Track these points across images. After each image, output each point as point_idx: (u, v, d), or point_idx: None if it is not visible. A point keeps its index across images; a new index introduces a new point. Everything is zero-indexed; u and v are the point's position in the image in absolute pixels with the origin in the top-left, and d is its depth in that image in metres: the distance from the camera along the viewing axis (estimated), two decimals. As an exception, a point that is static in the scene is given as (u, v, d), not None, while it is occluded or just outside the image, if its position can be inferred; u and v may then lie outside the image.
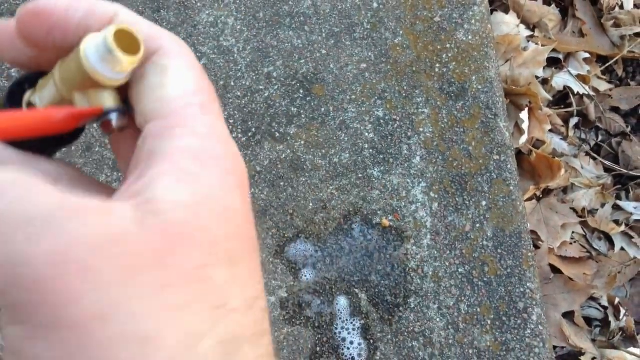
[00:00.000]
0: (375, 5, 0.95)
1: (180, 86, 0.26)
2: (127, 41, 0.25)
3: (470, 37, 0.95)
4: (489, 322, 0.82)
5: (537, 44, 1.17)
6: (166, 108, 0.25)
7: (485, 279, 0.84)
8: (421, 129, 0.89)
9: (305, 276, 0.82)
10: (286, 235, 0.84)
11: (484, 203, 0.87)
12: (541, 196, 1.13)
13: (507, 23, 1.16)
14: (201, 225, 0.23)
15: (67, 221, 0.21)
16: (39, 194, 0.22)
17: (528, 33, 1.19)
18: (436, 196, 0.86)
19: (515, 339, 0.81)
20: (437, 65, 0.93)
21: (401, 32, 0.94)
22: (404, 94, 0.91)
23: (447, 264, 0.84)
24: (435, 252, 0.84)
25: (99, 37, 0.25)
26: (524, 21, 1.20)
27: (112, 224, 0.22)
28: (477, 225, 0.86)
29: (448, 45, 0.94)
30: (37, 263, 0.21)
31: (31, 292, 0.21)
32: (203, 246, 0.23)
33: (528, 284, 0.84)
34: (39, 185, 0.22)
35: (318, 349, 0.78)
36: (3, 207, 0.21)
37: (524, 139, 1.07)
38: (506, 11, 1.20)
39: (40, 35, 0.26)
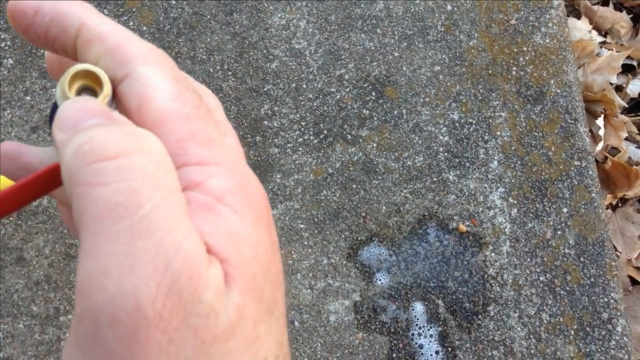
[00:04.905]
0: (449, 7, 0.94)
1: (161, 116, 0.23)
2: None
3: (547, 41, 0.92)
4: (572, 332, 0.79)
5: (610, 49, 1.13)
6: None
7: (567, 288, 0.81)
8: (498, 133, 0.87)
9: (380, 280, 0.80)
10: (359, 239, 0.82)
11: (565, 210, 0.84)
12: (617, 205, 1.09)
13: (579, 29, 1.13)
14: (250, 276, 0.21)
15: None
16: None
17: (600, 39, 1.15)
18: (515, 202, 0.84)
19: (599, 350, 0.78)
20: (514, 68, 0.91)
21: (476, 35, 0.93)
22: (480, 97, 0.89)
23: (528, 271, 0.81)
24: (515, 260, 0.81)
25: (61, 81, 0.23)
26: (596, 27, 1.17)
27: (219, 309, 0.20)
28: (559, 233, 0.83)
29: (525, 49, 0.92)
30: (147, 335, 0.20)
31: (118, 343, 0.20)
32: (254, 299, 0.21)
33: (612, 294, 0.80)
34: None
35: (394, 355, 0.76)
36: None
37: (600, 146, 1.03)
38: (578, 17, 1.17)
39: (30, 37, 0.25)
